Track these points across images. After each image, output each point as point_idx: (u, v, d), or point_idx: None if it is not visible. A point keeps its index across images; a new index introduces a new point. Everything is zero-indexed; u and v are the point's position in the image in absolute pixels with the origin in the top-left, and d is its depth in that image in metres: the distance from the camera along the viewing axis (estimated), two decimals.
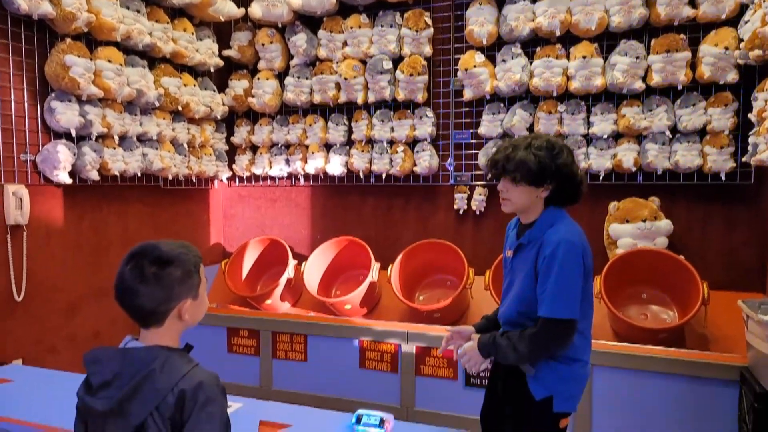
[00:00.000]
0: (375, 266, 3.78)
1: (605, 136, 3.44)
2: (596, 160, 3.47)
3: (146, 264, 1.20)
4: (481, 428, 2.05)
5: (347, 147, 4.17)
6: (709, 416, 2.78)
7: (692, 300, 3.05)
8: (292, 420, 2.00)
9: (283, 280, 3.90)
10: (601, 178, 3.49)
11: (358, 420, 1.99)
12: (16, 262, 3.00)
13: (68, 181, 3.15)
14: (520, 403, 1.83)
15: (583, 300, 1.76)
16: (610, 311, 3.10)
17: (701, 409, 2.80)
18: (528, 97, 3.67)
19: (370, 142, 4.08)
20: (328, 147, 4.23)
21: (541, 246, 1.77)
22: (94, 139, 3.27)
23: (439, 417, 3.24)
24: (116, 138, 3.39)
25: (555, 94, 3.47)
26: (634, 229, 3.32)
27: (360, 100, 3.98)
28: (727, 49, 3.09)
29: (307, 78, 4.13)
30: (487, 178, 3.83)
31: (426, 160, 3.88)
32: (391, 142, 4.01)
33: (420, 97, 3.85)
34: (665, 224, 3.32)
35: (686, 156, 3.28)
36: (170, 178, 3.94)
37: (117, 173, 3.39)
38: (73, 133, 3.14)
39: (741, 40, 3.03)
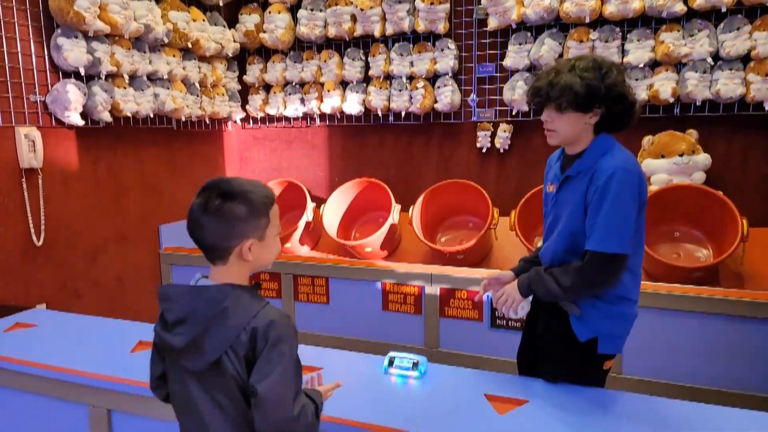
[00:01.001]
0: (395, 208, 3.68)
1: (641, 65, 3.23)
2: None
3: (213, 196, 1.17)
4: (517, 369, 1.99)
5: (364, 84, 3.98)
6: (746, 355, 2.71)
7: (728, 237, 2.93)
8: (323, 362, 1.96)
9: (301, 224, 3.83)
10: None
11: (390, 362, 1.94)
12: (33, 207, 2.94)
13: (80, 122, 3.04)
14: (562, 345, 1.74)
15: (634, 234, 1.64)
16: None
17: (737, 348, 2.72)
18: (557, 24, 3.44)
19: (389, 78, 3.89)
20: (344, 85, 4.05)
21: (594, 175, 1.62)
22: (103, 78, 3.13)
23: (464, 358, 3.21)
24: (126, 77, 3.25)
25: (587, 20, 3.23)
26: (670, 164, 3.17)
27: (377, 33, 3.76)
28: None
29: (321, 10, 3.90)
30: (522, 111, 3.65)
31: (447, 96, 3.70)
32: (411, 78, 3.82)
33: (441, 27, 3.63)
34: (703, 158, 3.16)
35: (728, 85, 3.08)
36: (183, 119, 3.81)
37: (129, 114, 3.27)
38: (82, 72, 3.01)
39: None
